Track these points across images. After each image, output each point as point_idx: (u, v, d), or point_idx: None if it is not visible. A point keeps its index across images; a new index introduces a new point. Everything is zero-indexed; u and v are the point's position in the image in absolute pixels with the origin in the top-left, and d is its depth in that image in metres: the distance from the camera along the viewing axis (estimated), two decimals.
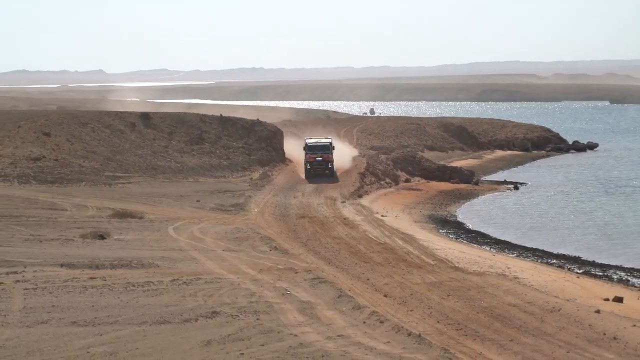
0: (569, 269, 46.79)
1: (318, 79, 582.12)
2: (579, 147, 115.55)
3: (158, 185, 67.21)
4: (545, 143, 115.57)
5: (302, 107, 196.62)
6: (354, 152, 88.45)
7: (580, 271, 46.19)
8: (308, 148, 67.82)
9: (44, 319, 28.64)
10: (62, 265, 37.36)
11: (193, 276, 36.14)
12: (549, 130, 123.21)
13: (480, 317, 31.77)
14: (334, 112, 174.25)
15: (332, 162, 68.38)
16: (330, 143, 69.93)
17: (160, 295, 32.67)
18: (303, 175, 70.78)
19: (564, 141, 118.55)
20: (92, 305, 30.62)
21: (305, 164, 68.17)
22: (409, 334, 27.25)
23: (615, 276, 45.25)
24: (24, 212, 51.30)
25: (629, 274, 46.16)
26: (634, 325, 31.12)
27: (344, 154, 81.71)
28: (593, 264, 48.49)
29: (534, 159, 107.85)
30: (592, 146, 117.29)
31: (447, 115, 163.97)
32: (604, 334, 29.36)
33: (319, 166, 67.52)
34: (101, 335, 26.51)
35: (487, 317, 31.65)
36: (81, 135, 75.52)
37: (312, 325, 28.44)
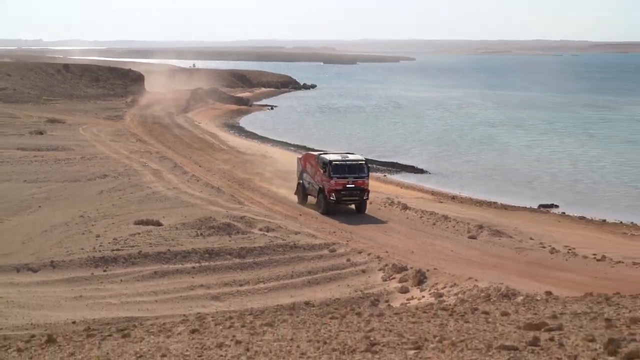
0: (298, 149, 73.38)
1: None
2: (306, 87, 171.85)
3: (73, 105, 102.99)
4: (288, 84, 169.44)
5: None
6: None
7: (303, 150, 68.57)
8: (332, 168, 44.10)
9: (7, 178, 46.78)
10: (18, 149, 58.40)
11: (93, 155, 57.58)
12: (290, 77, 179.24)
13: (251, 177, 53.29)
14: (174, 65, 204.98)
15: (368, 191, 45.06)
16: (365, 162, 46.35)
17: (74, 166, 52.63)
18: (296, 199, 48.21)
19: (298, 83, 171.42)
20: (35, 171, 49.67)
21: (325, 193, 44.27)
22: (213, 187, 47.54)
23: (376, 171, 64.23)
24: (14, 122, 76.19)
25: (392, 169, 67.52)
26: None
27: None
28: (312, 148, 69.57)
29: (281, 92, 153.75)
30: (313, 86, 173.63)
31: (242, 68, 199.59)
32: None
33: (351, 197, 44.37)
34: (40, 187, 44.56)
35: (257, 178, 53.43)
36: (29, 75, 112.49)
37: (160, 182, 48.03)
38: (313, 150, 60.09)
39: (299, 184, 48.47)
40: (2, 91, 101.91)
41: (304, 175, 47.73)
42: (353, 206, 45.50)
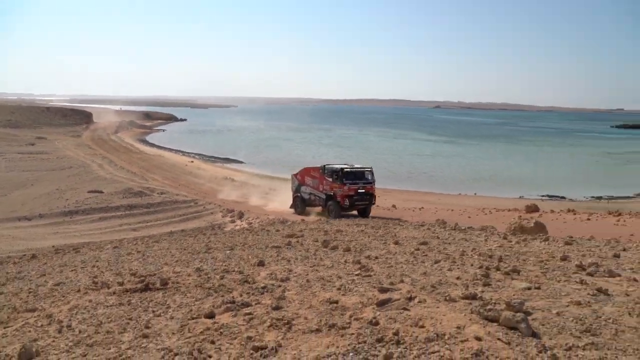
0: (189, 155, 65.95)
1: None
2: (182, 120, 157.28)
3: (51, 129, 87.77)
4: (172, 118, 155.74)
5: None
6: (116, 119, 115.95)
7: (197, 157, 63.74)
8: (344, 176, 26.74)
9: (12, 169, 42.01)
10: (18, 153, 51.69)
11: (63, 156, 51.15)
12: (173, 114, 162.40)
13: (154, 167, 49.05)
14: (110, 108, 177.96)
15: (375, 196, 27.48)
16: (371, 169, 27.75)
17: (52, 162, 46.95)
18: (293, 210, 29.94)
19: (177, 118, 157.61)
20: (29, 165, 44.61)
21: (338, 199, 26.68)
22: (133, 173, 43.48)
23: (218, 162, 61.41)
24: (16, 138, 66.77)
25: (226, 161, 61.47)
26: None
27: (111, 121, 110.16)
28: (184, 151, 69.10)
29: (168, 122, 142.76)
30: (185, 119, 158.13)
31: (147, 110, 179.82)
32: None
33: (362, 202, 26.78)
34: (32, 174, 39.88)
35: (155, 167, 49.24)
36: (25, 113, 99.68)
37: (102, 170, 43.33)
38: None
39: (295, 197, 29.77)
40: (9, 121, 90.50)
41: (302, 188, 29.23)
42: (355, 211, 27.44)
